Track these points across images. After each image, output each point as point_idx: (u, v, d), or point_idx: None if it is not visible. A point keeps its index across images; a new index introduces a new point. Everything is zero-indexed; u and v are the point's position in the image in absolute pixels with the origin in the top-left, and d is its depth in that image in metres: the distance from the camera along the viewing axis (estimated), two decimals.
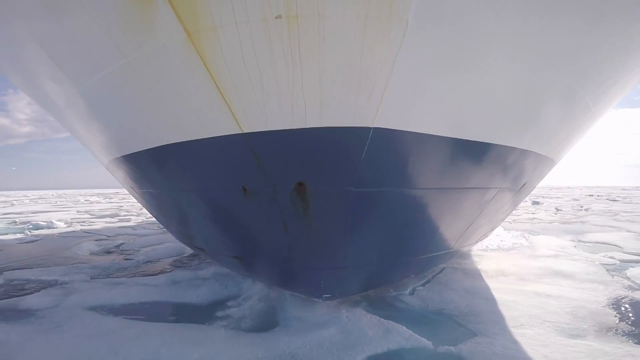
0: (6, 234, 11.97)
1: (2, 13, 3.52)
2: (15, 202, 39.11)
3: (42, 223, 13.44)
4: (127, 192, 7.18)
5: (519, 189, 5.38)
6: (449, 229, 4.59)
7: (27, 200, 42.31)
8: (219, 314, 4.40)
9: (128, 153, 4.46)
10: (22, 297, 5.06)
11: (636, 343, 3.54)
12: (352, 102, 2.74)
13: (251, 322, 4.12)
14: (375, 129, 2.88)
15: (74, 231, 12.69)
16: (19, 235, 11.52)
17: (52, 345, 3.49)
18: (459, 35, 2.71)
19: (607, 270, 6.33)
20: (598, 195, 40.46)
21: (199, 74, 2.75)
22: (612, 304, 4.60)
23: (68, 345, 3.49)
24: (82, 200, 41.79)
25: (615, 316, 4.22)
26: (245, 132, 2.97)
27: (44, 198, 51.40)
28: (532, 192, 6.54)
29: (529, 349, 3.39)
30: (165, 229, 6.95)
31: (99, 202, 34.74)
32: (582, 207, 22.94)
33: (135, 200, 6.64)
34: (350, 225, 3.43)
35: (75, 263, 7.32)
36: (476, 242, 6.60)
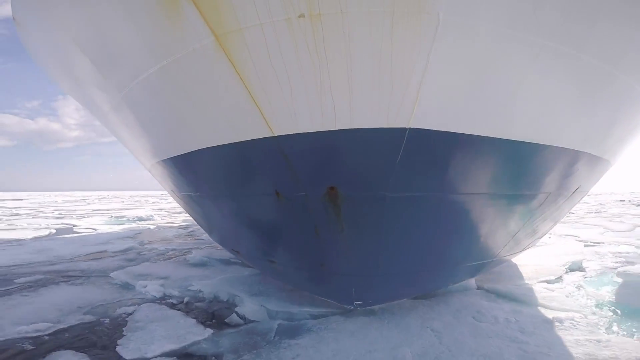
0: (122, 224, 15.71)
1: (47, 21, 3.68)
2: (88, 201, 44.74)
3: (144, 216, 17.36)
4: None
5: (571, 194, 4.96)
6: (491, 238, 4.32)
7: (97, 200, 47.99)
8: None
9: (166, 157, 4.60)
10: (184, 255, 8.31)
11: (562, 287, 5.95)
12: (385, 101, 2.64)
13: None
14: (412, 129, 2.76)
15: (168, 222, 16.52)
16: (134, 225, 15.23)
17: (230, 279, 6.19)
18: (499, 27, 2.55)
19: (564, 250, 9.03)
20: (628, 201, 41.10)
21: (229, 77, 2.75)
22: (562, 265, 7.15)
23: (235, 279, 6.22)
24: (142, 200, 46.89)
25: (560, 270, 6.78)
26: (276, 134, 2.95)
27: (105, 199, 57.52)
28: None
29: (492, 282, 5.93)
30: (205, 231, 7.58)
31: (160, 202, 39.29)
32: (596, 210, 24.28)
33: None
34: (384, 232, 3.32)
35: (185, 240, 10.98)
36: (522, 250, 6.00)
